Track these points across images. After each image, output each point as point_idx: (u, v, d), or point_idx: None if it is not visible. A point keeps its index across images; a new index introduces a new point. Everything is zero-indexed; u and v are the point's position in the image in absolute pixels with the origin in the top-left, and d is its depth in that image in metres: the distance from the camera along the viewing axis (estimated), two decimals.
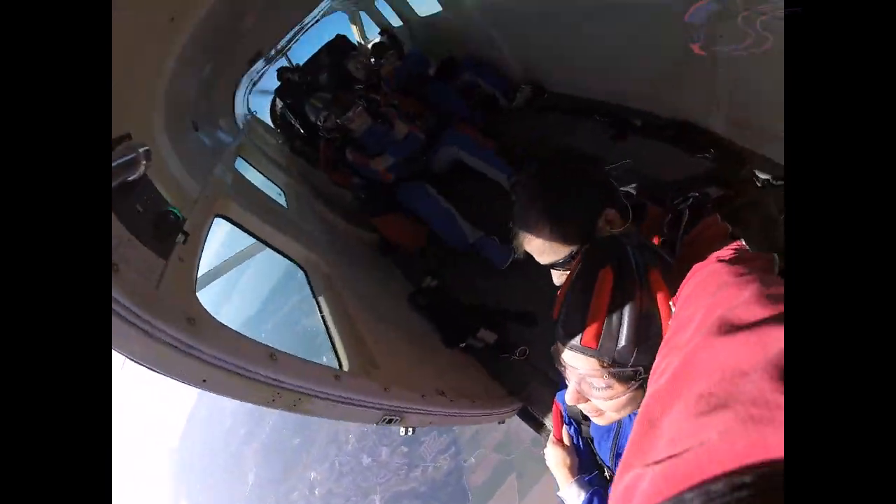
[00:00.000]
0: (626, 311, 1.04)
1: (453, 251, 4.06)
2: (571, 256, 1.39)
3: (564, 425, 1.73)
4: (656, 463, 0.49)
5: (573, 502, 1.55)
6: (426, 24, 6.23)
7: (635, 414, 1.38)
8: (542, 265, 1.47)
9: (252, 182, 3.45)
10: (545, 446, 1.72)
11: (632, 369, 1.05)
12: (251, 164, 3.94)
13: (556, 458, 1.65)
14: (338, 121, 4.40)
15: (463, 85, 5.62)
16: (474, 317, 3.41)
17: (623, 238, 1.16)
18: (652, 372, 0.81)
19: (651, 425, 0.59)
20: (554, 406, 1.74)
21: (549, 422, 2.86)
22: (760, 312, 0.65)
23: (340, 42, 7.21)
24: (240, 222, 2.61)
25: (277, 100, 6.87)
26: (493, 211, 4.04)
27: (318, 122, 4.68)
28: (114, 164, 1.24)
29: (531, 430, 3.04)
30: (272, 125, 6.89)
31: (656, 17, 3.58)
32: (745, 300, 0.71)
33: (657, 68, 3.98)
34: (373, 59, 5.95)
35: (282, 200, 3.90)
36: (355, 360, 2.15)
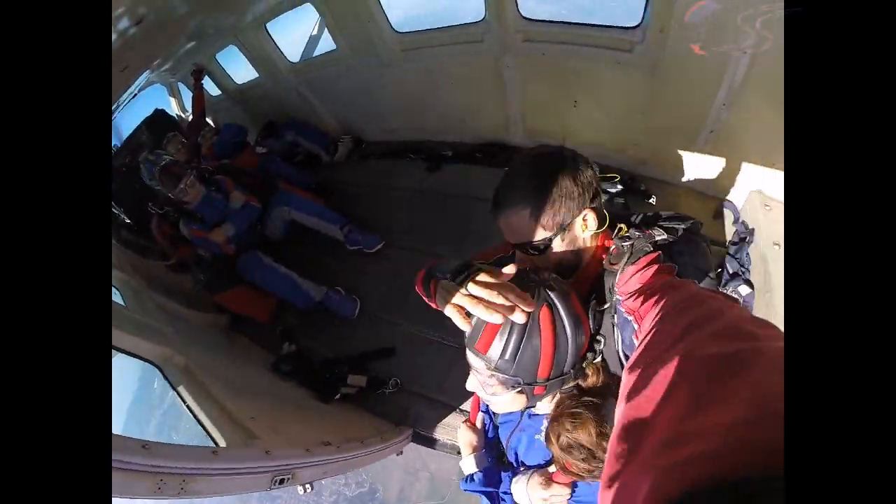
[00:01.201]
0: (514, 334, 1.32)
1: (305, 315, 4.34)
2: (544, 244, 1.54)
3: (480, 412, 2.04)
4: (653, 466, 0.52)
5: (468, 471, 1.89)
6: (243, 91, 6.49)
7: (532, 412, 1.74)
8: (513, 242, 1.59)
9: None
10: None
11: (512, 378, 1.35)
12: None
13: (465, 437, 1.98)
14: (170, 195, 4.40)
15: (284, 146, 5.96)
16: (340, 367, 3.73)
17: (532, 276, 1.43)
18: (633, 372, 0.82)
19: (643, 424, 0.61)
20: (474, 395, 2.00)
21: (441, 434, 3.30)
22: (751, 327, 0.70)
23: (160, 116, 7.02)
24: None
25: None
26: (331, 264, 4.55)
27: (151, 183, 4.61)
28: None
29: (453, 467, 3.42)
30: None
31: (452, 57, 4.26)
32: (736, 315, 0.80)
33: (458, 102, 4.67)
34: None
35: (118, 299, 3.89)
36: (230, 436, 2.32)
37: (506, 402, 1.49)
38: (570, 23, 3.87)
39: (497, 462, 1.94)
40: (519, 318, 1.28)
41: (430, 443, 3.39)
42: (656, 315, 1.06)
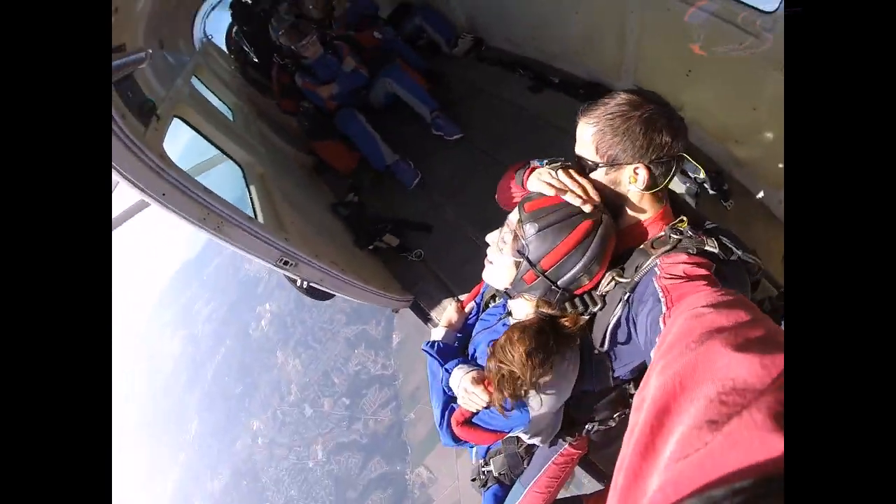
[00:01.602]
0: (556, 215, 1.55)
1: (377, 176, 5.03)
2: (594, 164, 1.63)
3: (473, 301, 2.25)
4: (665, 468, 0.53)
5: (434, 338, 2.10)
6: None
7: (506, 321, 1.87)
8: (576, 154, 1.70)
9: (205, 97, 4.25)
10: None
11: (523, 243, 1.58)
12: (204, 84, 4.66)
13: (448, 313, 2.18)
14: (293, 47, 5.16)
15: (411, 29, 6.48)
16: (383, 225, 4.41)
17: (604, 210, 1.60)
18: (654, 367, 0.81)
19: (660, 423, 0.60)
20: (478, 285, 2.23)
21: (436, 316, 3.84)
22: (771, 338, 0.71)
23: None
24: (194, 124, 3.48)
25: (234, 26, 7.28)
26: (412, 139, 5.15)
27: (277, 41, 5.37)
28: (127, 61, 2.05)
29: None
30: (226, 51, 7.38)
31: None
32: (753, 320, 0.82)
33: (580, 35, 4.85)
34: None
35: (230, 117, 4.69)
36: (267, 220, 3.10)
37: (499, 269, 1.69)
38: None
39: (461, 348, 2.11)
40: (586, 207, 1.54)
41: (424, 318, 3.97)
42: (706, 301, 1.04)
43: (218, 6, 6.69)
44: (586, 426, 2.12)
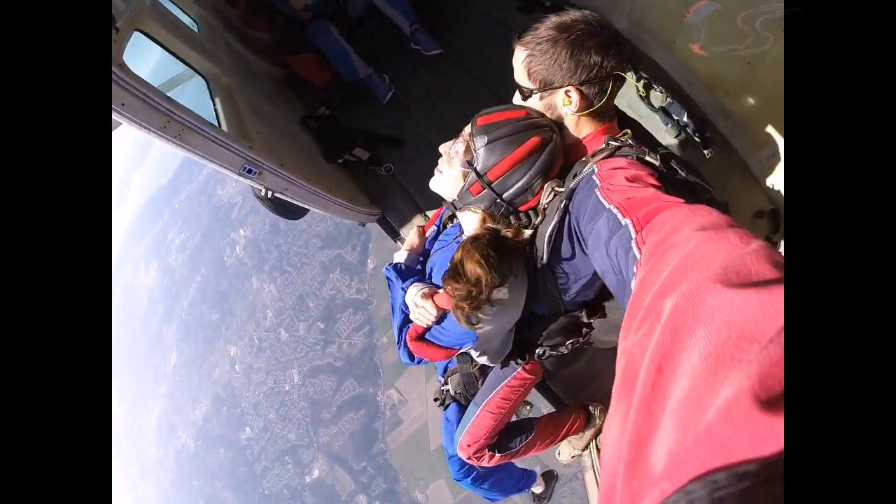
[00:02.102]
0: (506, 128, 1.67)
1: (351, 90, 4.97)
2: (528, 91, 1.72)
3: (433, 226, 2.37)
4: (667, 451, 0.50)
5: (396, 260, 2.24)
6: None
7: (461, 239, 1.90)
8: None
9: (167, 8, 4.12)
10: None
11: (474, 152, 1.70)
12: None
13: (410, 237, 2.31)
14: None
15: None
16: (353, 138, 4.46)
17: (555, 129, 1.69)
18: (641, 288, 0.82)
19: (656, 384, 0.58)
20: (438, 209, 2.38)
21: (406, 232, 3.95)
22: (769, 272, 0.66)
23: None
24: (155, 37, 3.42)
25: None
26: (387, 52, 5.06)
27: None
28: None
29: None
30: None
31: None
32: (751, 252, 0.73)
33: None
34: None
35: (195, 28, 4.57)
36: (232, 128, 3.13)
37: (447, 178, 1.80)
38: None
39: (423, 270, 2.23)
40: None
41: (392, 232, 4.10)
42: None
43: None
44: (537, 350, 2.23)
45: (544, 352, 2.21)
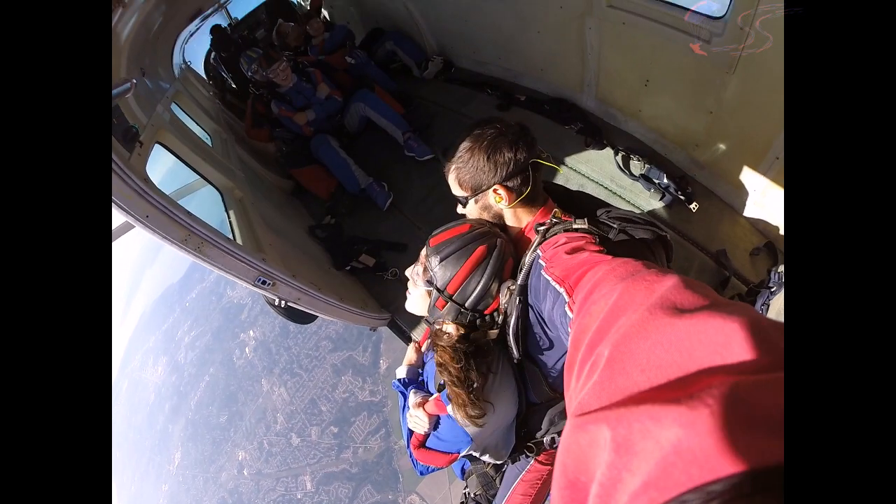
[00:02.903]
0: (454, 245, 1.77)
1: (354, 200, 5.23)
2: (464, 199, 1.86)
3: (428, 340, 2.31)
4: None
5: (399, 376, 2.34)
6: None
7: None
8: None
9: (184, 123, 4.43)
10: None
11: (431, 272, 1.79)
12: (184, 110, 4.88)
13: (409, 353, 2.40)
14: (265, 72, 5.44)
15: (384, 53, 6.81)
16: (359, 245, 4.62)
17: (499, 233, 1.82)
18: (579, 339, 0.83)
19: (623, 398, 0.58)
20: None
21: (416, 334, 4.00)
22: (696, 300, 0.70)
23: (279, 1, 8.01)
24: (174, 150, 3.66)
25: (212, 52, 7.66)
26: (385, 162, 5.39)
27: (249, 74, 5.74)
28: (115, 92, 2.23)
29: None
30: (205, 77, 7.70)
31: (545, 6, 4.63)
32: (672, 286, 0.77)
33: (543, 53, 5.13)
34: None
35: (208, 142, 4.91)
36: (246, 242, 3.27)
37: (415, 299, 1.93)
38: None
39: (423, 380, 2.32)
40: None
41: (404, 336, 4.15)
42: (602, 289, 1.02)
43: (196, 33, 6.93)
44: (545, 439, 2.19)
45: (552, 439, 2.18)
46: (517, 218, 1.87)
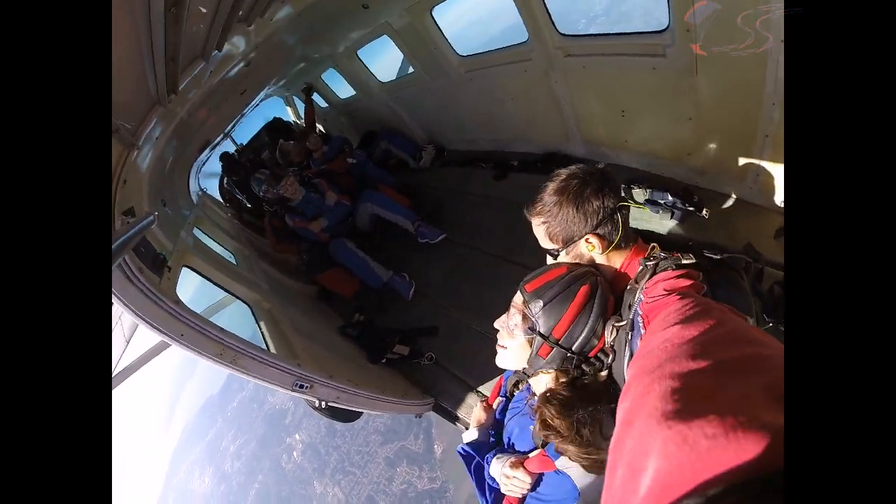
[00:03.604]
0: (556, 288, 1.66)
1: (378, 294, 5.30)
2: (555, 251, 1.80)
3: (498, 396, 2.27)
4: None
5: (467, 440, 2.12)
6: (346, 104, 7.81)
7: (534, 402, 1.79)
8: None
9: (208, 245, 4.61)
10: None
11: (532, 319, 1.67)
12: (206, 233, 5.06)
13: (477, 413, 2.23)
14: (275, 190, 5.66)
15: (380, 153, 7.16)
16: (391, 337, 4.62)
17: (596, 272, 1.73)
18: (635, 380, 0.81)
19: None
20: (498, 380, 2.31)
21: (463, 413, 3.90)
22: (757, 334, 0.76)
23: (277, 123, 8.73)
24: (201, 271, 3.79)
25: (224, 178, 8.02)
26: (402, 252, 5.51)
27: (261, 193, 5.94)
28: (140, 226, 2.29)
29: None
30: (221, 200, 8.03)
31: (509, 76, 4.91)
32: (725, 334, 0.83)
33: (523, 116, 5.36)
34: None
35: (232, 260, 5.07)
36: (279, 350, 3.33)
37: (513, 351, 1.77)
38: (602, 34, 4.27)
39: (496, 443, 2.11)
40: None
41: (450, 417, 4.03)
42: (669, 318, 1.05)
43: (207, 161, 7.33)
44: None
45: None
46: (611, 262, 1.81)
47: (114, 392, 3.48)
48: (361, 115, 7.71)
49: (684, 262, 1.53)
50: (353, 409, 3.47)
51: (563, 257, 1.82)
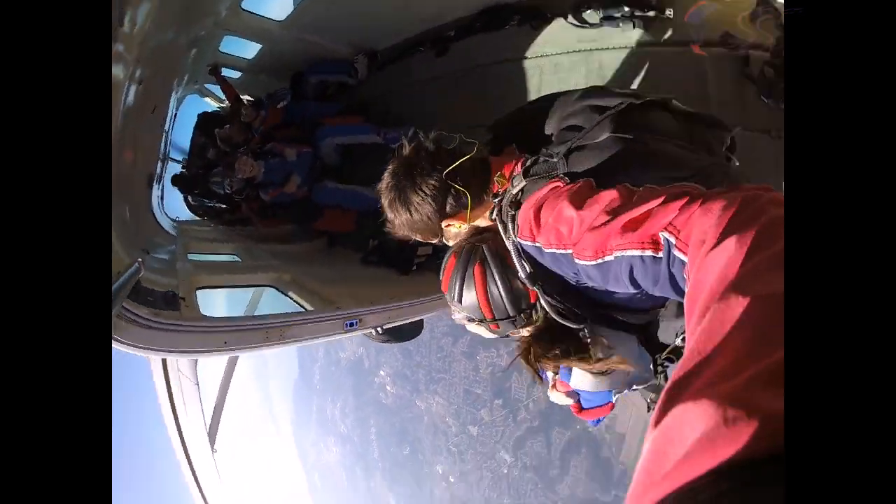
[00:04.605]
0: (456, 282, 1.69)
1: (379, 215, 5.14)
2: (436, 243, 1.85)
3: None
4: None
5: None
6: (258, 63, 7.24)
7: None
8: None
9: (208, 260, 4.55)
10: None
11: (465, 314, 1.73)
12: (200, 253, 4.87)
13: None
14: (238, 177, 5.43)
15: (314, 87, 6.64)
16: (409, 246, 4.53)
17: (481, 238, 1.71)
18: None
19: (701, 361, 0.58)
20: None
21: None
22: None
23: (205, 118, 8.15)
24: (215, 285, 3.68)
25: (188, 197, 7.67)
26: (377, 168, 5.20)
27: (227, 190, 5.76)
28: (128, 277, 2.17)
29: None
30: (196, 217, 7.72)
31: None
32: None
33: None
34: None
35: (237, 260, 4.96)
36: (315, 304, 3.28)
37: (480, 332, 1.84)
38: None
39: None
40: None
41: None
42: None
43: (165, 192, 6.92)
44: (677, 342, 1.88)
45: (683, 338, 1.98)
46: (484, 217, 1.73)
47: (219, 430, 3.57)
48: (278, 64, 7.01)
49: (514, 191, 1.53)
50: (409, 321, 3.47)
51: (449, 240, 1.80)
